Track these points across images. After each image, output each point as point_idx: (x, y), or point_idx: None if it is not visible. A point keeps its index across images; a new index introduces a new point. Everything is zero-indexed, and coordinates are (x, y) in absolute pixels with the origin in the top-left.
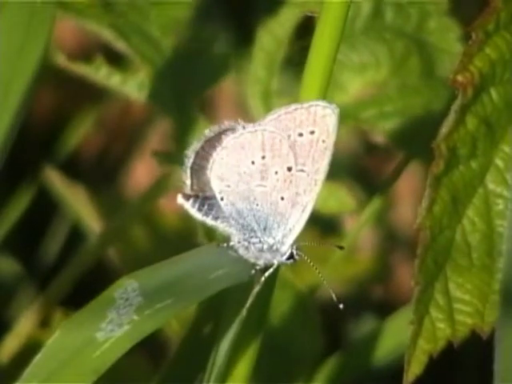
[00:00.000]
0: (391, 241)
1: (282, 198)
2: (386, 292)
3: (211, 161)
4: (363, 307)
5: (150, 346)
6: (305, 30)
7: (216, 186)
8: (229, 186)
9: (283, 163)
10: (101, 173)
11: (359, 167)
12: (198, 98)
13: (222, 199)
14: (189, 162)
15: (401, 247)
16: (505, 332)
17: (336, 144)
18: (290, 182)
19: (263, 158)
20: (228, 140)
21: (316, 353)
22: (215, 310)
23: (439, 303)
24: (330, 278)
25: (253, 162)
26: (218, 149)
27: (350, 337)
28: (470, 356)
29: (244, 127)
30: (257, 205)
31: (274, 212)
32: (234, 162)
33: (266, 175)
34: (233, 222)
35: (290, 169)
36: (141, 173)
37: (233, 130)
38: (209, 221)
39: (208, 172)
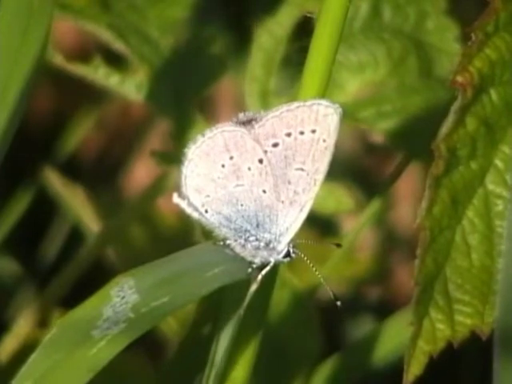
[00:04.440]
0: (391, 241)
1: (264, 191)
2: (386, 292)
3: (183, 178)
4: (362, 307)
5: (148, 346)
6: (303, 29)
7: (196, 200)
8: (208, 196)
9: (253, 157)
10: (101, 173)
11: (359, 167)
12: (197, 98)
13: (206, 211)
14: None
15: (401, 248)
16: (504, 333)
17: (336, 144)
18: (266, 173)
19: (231, 158)
20: (192, 151)
21: (314, 353)
22: (215, 310)
23: (439, 304)
24: (329, 277)
25: (223, 166)
26: (186, 163)
27: (349, 337)
28: (470, 356)
29: (203, 135)
30: (241, 205)
31: (260, 207)
32: (204, 171)
33: (240, 174)
34: (225, 230)
35: (261, 161)
36: (141, 173)
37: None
38: (205, 220)
39: (184, 190)
